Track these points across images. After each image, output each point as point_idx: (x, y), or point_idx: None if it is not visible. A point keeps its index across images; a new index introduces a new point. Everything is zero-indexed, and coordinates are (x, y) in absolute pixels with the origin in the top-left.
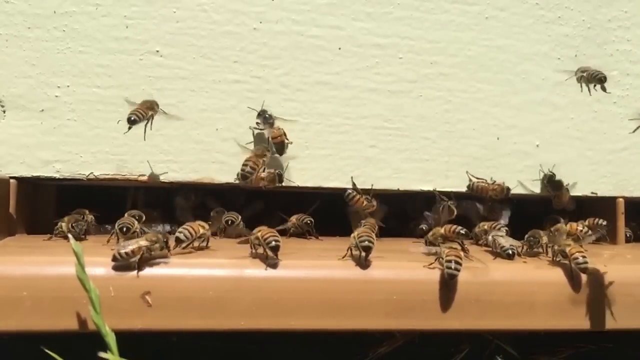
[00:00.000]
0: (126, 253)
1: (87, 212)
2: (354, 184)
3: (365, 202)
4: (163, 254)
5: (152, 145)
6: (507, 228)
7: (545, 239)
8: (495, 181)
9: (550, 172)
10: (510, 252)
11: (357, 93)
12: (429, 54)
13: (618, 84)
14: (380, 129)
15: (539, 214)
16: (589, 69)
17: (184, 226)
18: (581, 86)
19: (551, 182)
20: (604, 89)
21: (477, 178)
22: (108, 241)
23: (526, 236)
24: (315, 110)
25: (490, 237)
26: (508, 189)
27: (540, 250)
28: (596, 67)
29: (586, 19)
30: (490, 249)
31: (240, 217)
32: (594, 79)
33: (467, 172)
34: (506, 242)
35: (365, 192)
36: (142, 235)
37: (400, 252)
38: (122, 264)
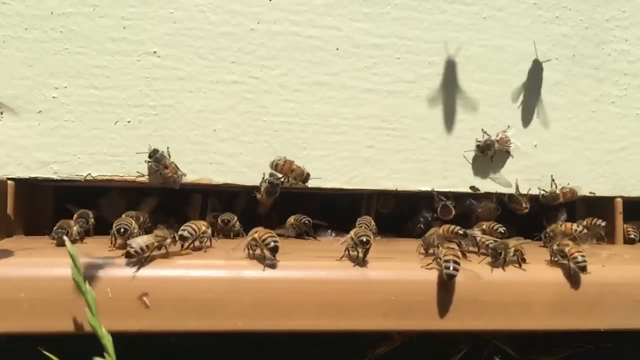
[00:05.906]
0: (141, 248)
1: (90, 213)
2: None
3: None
4: (171, 250)
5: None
6: (504, 228)
7: (512, 252)
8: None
9: (542, 191)
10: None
11: (355, 93)
12: (427, 54)
13: (616, 83)
14: (378, 129)
15: (539, 212)
16: None
17: (186, 224)
18: None
19: (548, 198)
20: None
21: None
22: (111, 243)
23: (491, 246)
24: (313, 111)
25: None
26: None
27: (502, 262)
28: (594, 66)
29: (584, 18)
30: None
31: (236, 217)
32: None
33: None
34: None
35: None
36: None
37: (398, 252)
38: (134, 260)
